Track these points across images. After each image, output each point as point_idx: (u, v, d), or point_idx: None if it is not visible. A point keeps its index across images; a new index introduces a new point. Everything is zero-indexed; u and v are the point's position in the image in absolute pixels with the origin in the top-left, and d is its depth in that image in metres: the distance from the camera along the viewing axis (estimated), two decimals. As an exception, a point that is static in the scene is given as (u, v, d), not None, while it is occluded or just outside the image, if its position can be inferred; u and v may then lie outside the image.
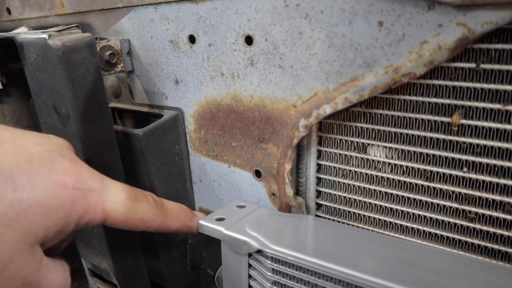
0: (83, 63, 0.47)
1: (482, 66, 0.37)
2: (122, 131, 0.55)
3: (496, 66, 0.36)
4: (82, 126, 0.48)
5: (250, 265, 0.45)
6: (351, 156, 0.48)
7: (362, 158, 0.47)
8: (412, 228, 0.45)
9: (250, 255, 0.44)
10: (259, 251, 0.43)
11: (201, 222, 0.48)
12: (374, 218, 0.48)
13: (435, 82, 0.39)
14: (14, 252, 0.30)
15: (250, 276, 0.45)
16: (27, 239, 0.31)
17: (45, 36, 0.46)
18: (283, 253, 0.41)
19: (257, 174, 0.52)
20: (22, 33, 0.51)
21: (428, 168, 0.43)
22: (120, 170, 0.52)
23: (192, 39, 0.52)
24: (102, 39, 0.58)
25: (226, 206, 0.52)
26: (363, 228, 0.48)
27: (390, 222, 0.47)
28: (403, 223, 0.46)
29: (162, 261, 0.62)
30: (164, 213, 0.42)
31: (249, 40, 0.47)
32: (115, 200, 0.37)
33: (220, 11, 0.48)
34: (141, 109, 0.62)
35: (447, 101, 0.39)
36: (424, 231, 0.45)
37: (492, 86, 0.37)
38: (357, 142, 0.47)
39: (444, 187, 0.42)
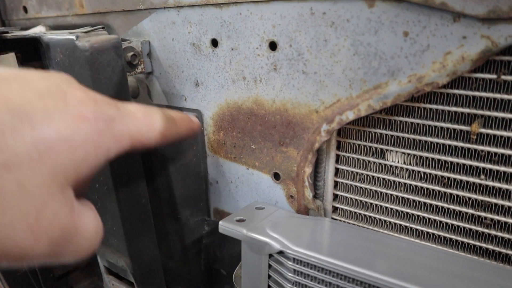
0: (109, 65, 0.48)
1: (503, 77, 0.38)
2: (142, 132, 0.56)
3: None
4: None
5: (270, 266, 0.46)
6: (369, 161, 0.49)
7: (380, 164, 0.48)
8: (428, 232, 0.47)
9: (270, 255, 0.45)
10: (280, 252, 0.44)
11: (221, 223, 0.49)
12: (390, 222, 0.49)
13: (456, 91, 0.41)
14: (46, 196, 0.27)
15: (269, 277, 0.47)
16: (57, 180, 0.28)
17: (73, 37, 0.47)
18: (305, 254, 0.42)
19: (276, 176, 0.53)
20: (48, 33, 0.52)
21: (446, 174, 0.44)
22: (141, 170, 0.53)
23: (214, 42, 0.53)
24: (124, 40, 0.59)
25: (245, 207, 0.53)
26: (378, 231, 0.50)
27: (406, 226, 0.48)
28: (419, 227, 0.47)
29: (176, 261, 0.62)
30: (173, 122, 0.40)
31: (273, 46, 0.48)
32: (136, 122, 0.35)
33: (244, 16, 0.49)
34: (159, 110, 0.62)
35: (467, 110, 0.41)
36: (439, 236, 0.46)
37: (513, 97, 0.38)
38: (376, 148, 0.48)
39: (461, 193, 0.44)
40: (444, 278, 0.38)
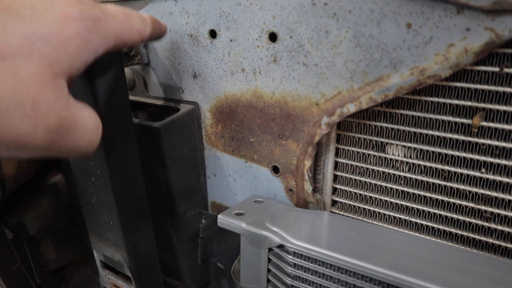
0: (107, 54, 0.47)
1: (506, 70, 0.38)
2: (139, 124, 0.55)
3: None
4: (103, 117, 0.48)
5: (269, 260, 0.46)
6: (369, 155, 0.49)
7: (380, 157, 0.48)
8: (427, 226, 0.47)
9: (270, 249, 0.45)
10: (280, 246, 0.43)
11: (220, 216, 0.48)
12: (389, 215, 0.49)
13: (458, 84, 0.40)
14: (40, 84, 0.28)
15: (269, 271, 0.46)
16: (51, 70, 0.29)
17: (69, 26, 0.45)
18: (305, 247, 0.41)
19: (275, 170, 0.53)
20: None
21: (446, 168, 0.44)
22: (138, 163, 0.53)
23: (213, 33, 0.52)
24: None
25: (243, 201, 0.53)
26: (378, 224, 0.49)
27: (406, 220, 0.48)
28: (419, 221, 0.47)
29: (173, 254, 0.62)
30: (146, 21, 0.42)
31: (273, 37, 0.47)
32: (119, 23, 0.36)
33: (244, 7, 0.48)
34: (156, 102, 0.62)
35: (468, 103, 0.40)
36: (439, 229, 0.46)
37: (516, 90, 0.38)
38: (376, 141, 0.48)
39: (461, 187, 0.44)
40: (443, 271, 0.38)
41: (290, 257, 0.43)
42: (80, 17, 0.32)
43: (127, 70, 0.64)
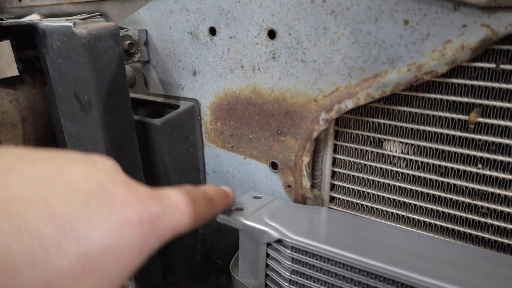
0: (107, 52, 0.47)
1: (502, 66, 0.38)
2: (139, 121, 0.56)
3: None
4: (104, 114, 0.48)
5: (268, 254, 0.46)
6: (366, 151, 0.49)
7: (377, 153, 0.48)
8: (425, 221, 0.47)
9: (268, 244, 0.45)
10: (278, 241, 0.44)
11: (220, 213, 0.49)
12: (386, 211, 0.49)
13: (455, 80, 0.41)
14: None
15: (267, 265, 0.47)
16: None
17: (70, 24, 0.46)
18: (303, 242, 0.42)
19: (274, 166, 0.53)
20: (44, 20, 0.51)
21: (443, 164, 0.44)
22: (138, 160, 0.53)
23: (212, 31, 0.53)
24: (121, 28, 0.58)
25: (242, 197, 0.53)
26: (376, 220, 0.50)
27: (403, 216, 0.48)
28: (416, 216, 0.47)
29: (173, 251, 0.62)
30: (213, 204, 0.40)
31: (272, 34, 0.47)
32: (179, 214, 0.34)
33: (243, 4, 0.48)
34: (156, 99, 0.62)
35: (465, 99, 0.41)
36: (436, 224, 0.46)
37: (511, 86, 0.38)
38: (374, 137, 0.48)
39: (458, 182, 0.44)
40: (439, 266, 0.39)
41: (288, 251, 0.43)
42: (138, 220, 0.29)
43: (127, 68, 0.64)
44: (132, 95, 0.66)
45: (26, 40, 0.61)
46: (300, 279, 0.43)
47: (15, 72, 0.62)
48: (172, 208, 0.33)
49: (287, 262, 0.44)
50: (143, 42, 0.60)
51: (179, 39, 0.57)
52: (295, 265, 0.43)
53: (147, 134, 0.56)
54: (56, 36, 0.48)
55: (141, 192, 0.31)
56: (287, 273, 0.44)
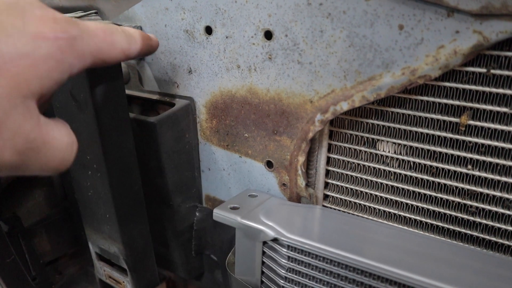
0: (103, 51, 0.47)
1: (492, 71, 0.39)
2: (135, 119, 0.56)
3: (506, 72, 0.39)
4: (100, 112, 0.48)
5: (264, 252, 0.47)
6: (360, 150, 0.50)
7: (371, 153, 0.50)
8: (416, 220, 0.48)
9: (265, 242, 0.46)
10: (274, 239, 0.45)
11: (215, 210, 0.50)
12: (379, 209, 0.50)
13: (447, 84, 0.42)
14: (8, 106, 0.28)
15: (263, 263, 0.48)
16: (19, 92, 0.29)
17: (66, 22, 0.46)
18: (298, 241, 0.43)
19: (269, 164, 0.54)
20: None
21: (434, 164, 0.46)
22: (134, 157, 0.53)
23: (208, 30, 0.53)
24: (116, 25, 0.58)
25: (238, 195, 0.54)
26: (368, 218, 0.51)
27: (395, 214, 0.50)
28: (407, 215, 0.49)
29: (168, 246, 0.63)
30: (133, 39, 0.42)
31: (268, 35, 0.48)
32: (97, 40, 0.36)
33: (240, 5, 0.49)
34: (151, 97, 0.62)
35: (456, 102, 0.42)
36: (427, 223, 0.48)
37: (501, 90, 0.40)
38: (367, 138, 0.49)
39: (449, 182, 0.45)
40: (429, 263, 0.40)
41: (284, 250, 0.44)
42: (54, 36, 0.31)
43: (122, 65, 0.64)
44: (126, 92, 0.66)
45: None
46: (296, 276, 0.45)
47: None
48: (89, 34, 0.36)
49: (283, 260, 0.45)
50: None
51: (175, 37, 0.57)
52: (291, 263, 0.44)
53: (142, 132, 0.56)
54: (51, 34, 0.47)
55: (58, 15, 0.33)
56: (283, 271, 0.45)
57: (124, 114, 0.51)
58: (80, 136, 0.51)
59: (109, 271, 0.61)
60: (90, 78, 0.47)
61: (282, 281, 0.45)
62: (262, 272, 0.48)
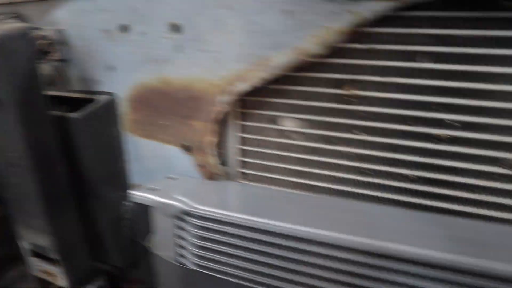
0: (18, 52, 0.50)
1: (371, 46, 0.45)
2: (59, 116, 0.58)
3: (383, 46, 0.45)
4: (19, 112, 0.51)
5: (177, 226, 0.51)
6: (268, 128, 0.55)
7: (277, 129, 0.54)
8: (318, 186, 0.54)
9: (177, 217, 0.50)
10: (186, 213, 0.49)
11: (132, 192, 0.53)
12: (289, 180, 0.55)
13: (333, 60, 0.48)
14: None
15: (177, 236, 0.51)
16: None
17: (-20, 24, 0.48)
18: (207, 211, 0.47)
19: (186, 148, 0.58)
20: (-45, 20, 0.53)
21: (329, 134, 0.51)
22: (58, 152, 0.56)
23: (125, 28, 0.57)
24: (37, 29, 0.61)
25: (158, 179, 0.57)
26: (278, 189, 0.56)
27: (302, 183, 0.55)
28: (312, 182, 0.54)
29: (100, 236, 0.65)
30: None
31: (176, 28, 0.53)
32: None
33: (150, 1, 0.53)
34: (77, 96, 0.65)
35: (340, 76, 0.48)
36: (329, 188, 0.53)
37: (379, 62, 0.46)
38: (273, 115, 0.54)
39: (342, 148, 0.51)
40: (323, 222, 0.45)
41: (196, 220, 0.48)
42: None
43: (47, 66, 0.66)
44: (53, 92, 0.68)
45: None
46: (209, 244, 0.48)
47: None
48: None
49: (195, 230, 0.48)
50: (61, 42, 0.63)
51: (95, 37, 0.60)
52: (204, 232, 0.48)
53: (68, 128, 0.59)
54: (-34, 36, 0.50)
55: None
56: (196, 240, 0.49)
57: (44, 112, 0.54)
58: (3, 135, 0.54)
59: (42, 265, 0.62)
60: (7, 79, 0.49)
61: (196, 250, 0.49)
62: (178, 245, 0.51)
